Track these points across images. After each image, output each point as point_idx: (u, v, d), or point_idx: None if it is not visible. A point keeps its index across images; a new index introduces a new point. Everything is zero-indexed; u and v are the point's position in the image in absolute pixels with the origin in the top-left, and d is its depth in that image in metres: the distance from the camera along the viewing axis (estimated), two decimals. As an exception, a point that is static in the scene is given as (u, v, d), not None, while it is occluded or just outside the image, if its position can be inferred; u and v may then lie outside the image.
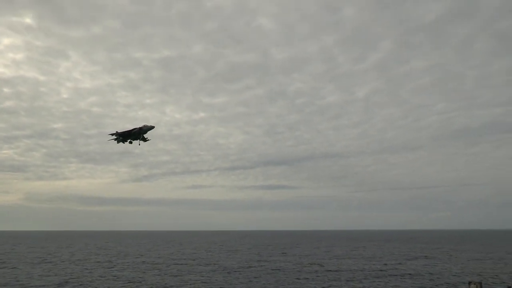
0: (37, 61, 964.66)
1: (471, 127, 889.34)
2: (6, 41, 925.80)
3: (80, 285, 56.97)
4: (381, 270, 73.11)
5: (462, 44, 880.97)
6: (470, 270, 74.17)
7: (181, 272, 71.70)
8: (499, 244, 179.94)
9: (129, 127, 73.04)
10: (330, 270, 73.25)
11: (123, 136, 70.03)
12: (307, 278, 62.40)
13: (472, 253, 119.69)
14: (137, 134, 69.12)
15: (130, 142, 71.48)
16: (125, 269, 76.09)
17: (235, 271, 72.01)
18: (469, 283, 37.57)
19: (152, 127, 69.52)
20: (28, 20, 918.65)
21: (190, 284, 56.71)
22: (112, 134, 71.05)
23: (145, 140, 70.68)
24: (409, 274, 67.88)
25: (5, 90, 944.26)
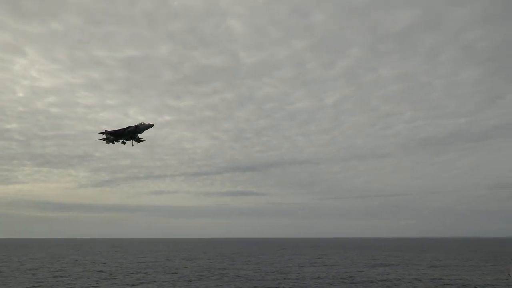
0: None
1: (438, 136, 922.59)
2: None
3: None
4: (340, 278, 75.30)
5: (430, 54, 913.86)
6: (427, 277, 77.49)
7: (139, 281, 71.35)
8: (460, 252, 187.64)
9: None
10: (290, 278, 74.84)
11: (115, 136, 66.55)
12: (269, 287, 63.62)
13: (432, 261, 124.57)
14: (132, 133, 65.49)
15: (123, 143, 67.84)
16: (78, 279, 74.86)
17: (195, 280, 72.37)
18: None
19: (150, 126, 64.93)
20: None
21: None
22: (103, 133, 67.58)
23: (139, 140, 67.15)
24: (366, 281, 70.31)
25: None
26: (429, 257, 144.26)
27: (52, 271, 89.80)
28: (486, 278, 75.89)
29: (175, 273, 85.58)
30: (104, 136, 67.48)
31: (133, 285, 66.10)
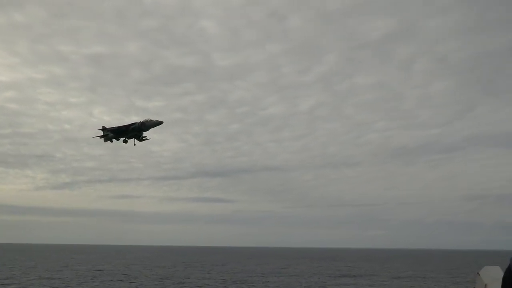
0: None
1: (409, 147, 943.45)
2: None
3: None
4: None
5: (404, 64, 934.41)
6: (388, 288, 79.88)
7: (93, 289, 70.45)
8: (425, 263, 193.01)
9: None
10: (252, 288, 75.60)
11: (117, 133, 63.37)
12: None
13: (396, 272, 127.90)
14: (137, 130, 62.15)
15: (125, 141, 64.22)
16: (28, 287, 73.17)
17: (152, 289, 72.05)
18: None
19: (159, 123, 61.85)
20: None
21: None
22: (102, 130, 64.53)
23: (143, 139, 63.80)
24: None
25: None
26: (394, 268, 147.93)
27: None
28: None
29: (133, 282, 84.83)
30: (101, 133, 64.45)
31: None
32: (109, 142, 65.08)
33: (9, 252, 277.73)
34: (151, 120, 60.77)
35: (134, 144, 63.97)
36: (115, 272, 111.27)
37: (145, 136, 63.53)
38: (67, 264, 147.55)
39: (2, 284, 76.56)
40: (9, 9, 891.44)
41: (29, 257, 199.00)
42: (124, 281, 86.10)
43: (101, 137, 64.88)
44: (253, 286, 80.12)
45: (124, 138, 63.49)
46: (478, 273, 16.44)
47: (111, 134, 63.96)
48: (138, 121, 61.50)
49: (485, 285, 15.55)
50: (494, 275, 15.42)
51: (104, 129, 64.42)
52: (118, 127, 63.46)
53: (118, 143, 64.70)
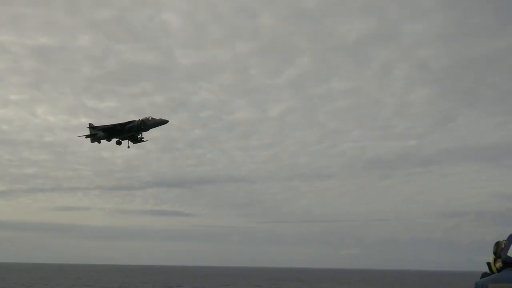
0: None
1: (385, 158, 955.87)
2: None
3: None
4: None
5: (383, 69, 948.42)
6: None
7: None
8: (401, 286, 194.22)
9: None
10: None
11: (109, 132, 61.08)
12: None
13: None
14: (135, 130, 60.12)
15: (119, 142, 61.99)
16: None
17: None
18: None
19: (163, 122, 59.37)
20: None
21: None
22: (91, 128, 61.90)
23: (139, 140, 62.20)
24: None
25: None
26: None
27: None
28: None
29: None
30: (91, 132, 62.48)
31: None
32: (96, 143, 63.27)
33: None
34: (153, 119, 58.54)
35: (128, 147, 61.97)
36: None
37: (143, 137, 61.59)
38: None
39: None
40: None
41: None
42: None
43: (87, 136, 62.65)
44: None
45: (117, 139, 61.68)
46: None
47: (101, 133, 61.75)
48: (137, 119, 59.70)
49: None
50: None
51: (92, 127, 61.95)
52: (113, 125, 60.82)
53: (104, 145, 63.39)
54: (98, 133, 62.43)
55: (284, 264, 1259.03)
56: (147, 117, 59.08)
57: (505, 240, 9.59)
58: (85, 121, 61.21)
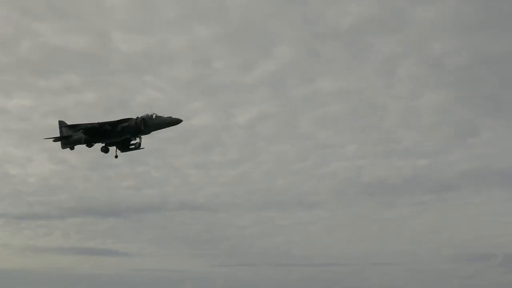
0: None
1: (388, 182, 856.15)
2: None
3: None
4: None
5: (385, 65, 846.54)
6: None
7: None
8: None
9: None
10: None
11: (93, 134, 51.34)
12: None
13: None
14: (132, 131, 51.94)
15: (105, 149, 54.03)
16: None
17: None
18: None
19: (175, 122, 50.37)
20: None
21: None
22: (69, 127, 52.29)
23: (133, 147, 53.87)
24: None
25: None
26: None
27: None
28: None
29: None
30: (60, 133, 53.05)
31: None
32: (68, 149, 53.75)
33: None
34: (158, 117, 50.56)
35: (116, 156, 54.61)
36: None
37: (137, 142, 53.23)
38: None
39: None
40: None
41: None
42: None
43: (57, 139, 53.03)
44: None
45: (103, 144, 52.69)
46: None
47: (81, 135, 51.65)
48: (136, 117, 50.96)
49: None
50: None
51: (66, 126, 51.91)
52: (100, 124, 50.81)
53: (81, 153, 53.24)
54: (74, 135, 53.16)
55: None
56: (150, 114, 51.34)
57: None
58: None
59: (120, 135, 50.65)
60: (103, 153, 53.02)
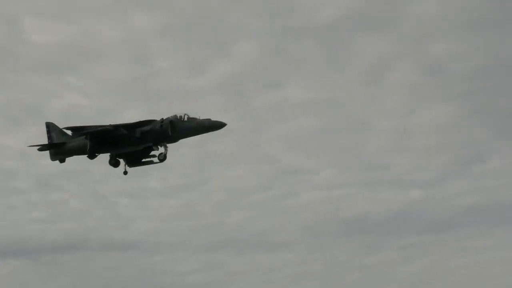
0: None
1: (373, 218, 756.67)
2: None
3: None
4: None
5: (373, 71, 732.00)
6: None
7: None
8: None
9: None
10: None
11: (101, 141, 45.28)
12: None
13: None
14: (156, 137, 45.52)
15: (114, 162, 48.83)
16: None
17: None
18: None
19: (216, 126, 44.88)
20: None
21: None
22: (74, 131, 46.54)
23: (150, 161, 49.20)
24: None
25: None
26: None
27: None
28: None
29: None
30: (48, 138, 47.16)
31: None
32: (57, 162, 48.67)
33: None
34: (191, 118, 43.43)
35: (125, 172, 48.91)
36: None
37: (162, 154, 46.09)
38: None
39: None
40: None
41: None
42: None
43: (43, 148, 46.41)
44: None
45: (112, 155, 46.17)
46: None
47: (88, 142, 45.66)
48: (160, 119, 45.56)
49: None
50: None
51: (57, 130, 46.38)
52: (113, 127, 43.21)
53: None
54: (72, 142, 46.70)
55: None
56: (179, 114, 44.75)
57: None
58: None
59: (138, 142, 43.99)
60: (112, 167, 47.87)
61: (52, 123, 50.94)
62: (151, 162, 47.53)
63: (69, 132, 50.06)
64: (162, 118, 47.39)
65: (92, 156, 48.56)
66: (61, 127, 49.83)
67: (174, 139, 45.16)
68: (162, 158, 46.76)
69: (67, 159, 50.53)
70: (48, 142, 48.32)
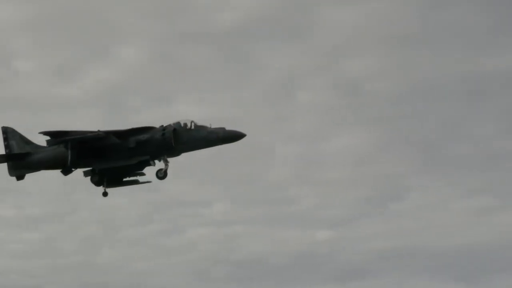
0: None
1: (271, 262, 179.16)
2: None
3: None
4: None
5: (279, 86, 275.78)
6: None
7: None
8: None
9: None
10: None
11: (87, 152, 35.39)
12: None
13: None
14: (155, 149, 35.72)
15: (97, 180, 37.24)
16: None
17: None
18: None
19: (237, 137, 37.64)
20: None
21: None
22: (54, 136, 35.10)
23: (161, 176, 37.42)
24: None
25: None
26: None
27: None
28: None
29: None
30: (6, 148, 37.58)
31: None
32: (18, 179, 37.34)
33: None
34: (199, 126, 35.43)
35: (105, 193, 37.64)
36: None
37: (162, 170, 36.77)
38: None
39: None
40: None
41: None
42: None
43: (3, 158, 36.24)
44: None
45: (95, 171, 35.47)
46: None
47: (68, 152, 35.06)
48: (160, 126, 36.55)
49: None
50: None
51: (18, 136, 36.36)
52: (105, 133, 34.55)
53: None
54: (42, 152, 36.64)
55: None
56: (183, 121, 35.62)
57: None
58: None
59: (131, 154, 35.38)
60: (94, 185, 37.37)
61: (11, 128, 40.32)
62: (136, 182, 38.68)
63: (44, 138, 38.65)
64: (163, 125, 38.58)
65: (68, 171, 38.26)
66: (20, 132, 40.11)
67: (177, 152, 37.26)
68: (162, 175, 37.83)
69: (27, 175, 39.62)
70: (6, 152, 38.25)
